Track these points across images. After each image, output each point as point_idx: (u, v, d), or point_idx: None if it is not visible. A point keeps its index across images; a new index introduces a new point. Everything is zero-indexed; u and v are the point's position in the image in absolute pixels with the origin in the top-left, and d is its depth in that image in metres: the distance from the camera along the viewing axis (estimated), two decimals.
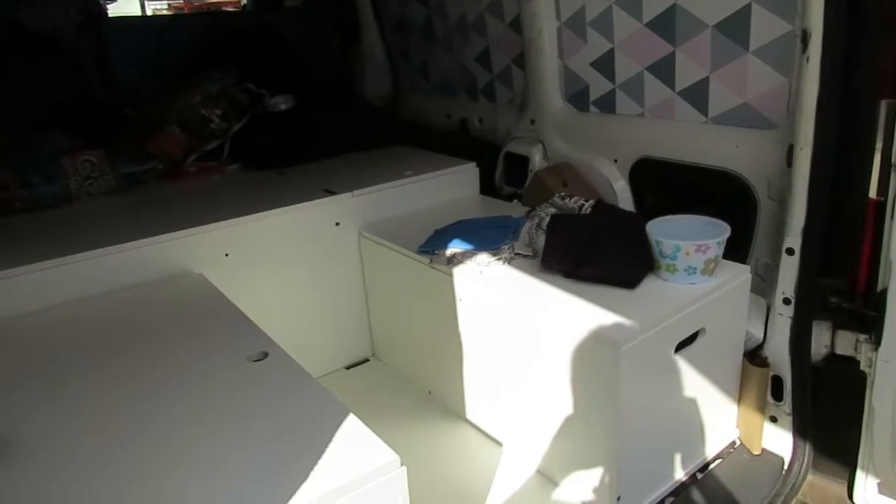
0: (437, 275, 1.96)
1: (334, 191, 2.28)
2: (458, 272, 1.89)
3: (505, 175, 2.70)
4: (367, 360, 2.47)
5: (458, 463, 1.90)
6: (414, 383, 2.29)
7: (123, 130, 2.64)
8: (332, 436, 1.18)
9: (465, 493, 1.77)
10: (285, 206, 2.14)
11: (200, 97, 2.68)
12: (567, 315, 1.59)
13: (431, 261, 1.98)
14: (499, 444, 1.96)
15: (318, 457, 1.13)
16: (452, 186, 2.54)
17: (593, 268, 1.71)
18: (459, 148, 2.78)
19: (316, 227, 2.22)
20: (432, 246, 2.02)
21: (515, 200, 2.49)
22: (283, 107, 2.78)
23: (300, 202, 2.18)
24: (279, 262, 2.16)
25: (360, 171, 2.55)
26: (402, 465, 1.13)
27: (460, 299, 1.91)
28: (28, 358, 1.53)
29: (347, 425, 1.21)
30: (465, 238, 2.02)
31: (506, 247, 1.95)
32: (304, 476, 1.08)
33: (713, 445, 1.88)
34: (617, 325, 1.52)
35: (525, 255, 1.92)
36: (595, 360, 1.52)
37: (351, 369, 2.42)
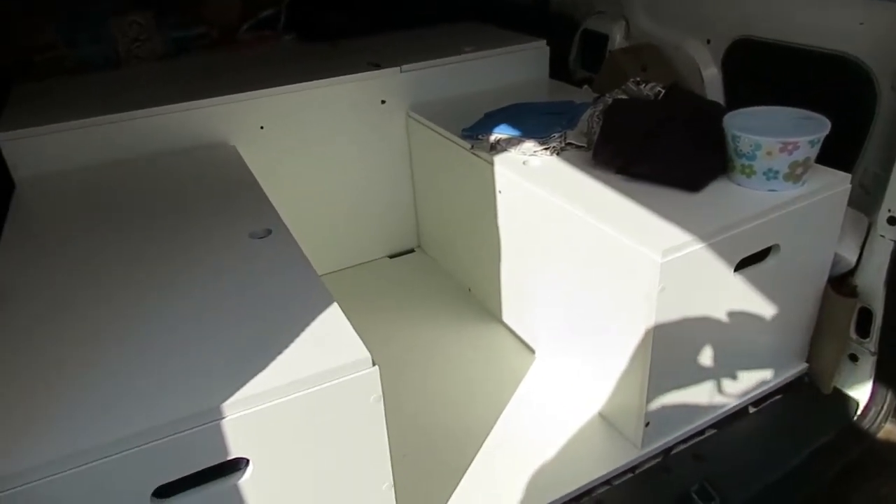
0: (477, 162, 1.76)
1: (381, 65, 2.09)
2: (500, 160, 1.68)
3: (580, 56, 2.38)
4: (411, 251, 2.36)
5: (484, 366, 1.79)
6: (455, 279, 2.16)
7: None
8: (310, 324, 1.08)
9: (490, 397, 1.67)
10: (324, 78, 1.98)
11: None
12: (608, 216, 1.37)
13: (473, 146, 1.78)
14: (531, 350, 1.82)
15: (291, 343, 1.04)
16: (517, 67, 2.27)
17: (648, 164, 1.45)
18: (535, 24, 2.47)
19: (359, 103, 2.05)
20: (477, 130, 1.81)
21: (586, 86, 2.19)
22: None
23: (342, 75, 2.01)
24: (318, 140, 2.04)
25: (415, 46, 2.32)
26: (374, 364, 1.01)
27: (499, 191, 1.72)
28: (48, 213, 1.54)
29: (329, 315, 1.10)
30: (515, 123, 1.79)
31: (557, 135, 1.71)
32: (273, 360, 1.00)
33: (775, 378, 1.65)
34: (663, 232, 1.29)
35: (578, 146, 1.68)
36: (633, 270, 1.31)
37: (394, 258, 2.33)
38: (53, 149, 1.69)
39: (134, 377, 0.98)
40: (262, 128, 1.93)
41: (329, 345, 1.03)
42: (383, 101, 2.08)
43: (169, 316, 1.12)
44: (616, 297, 1.40)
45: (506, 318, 1.92)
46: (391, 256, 2.33)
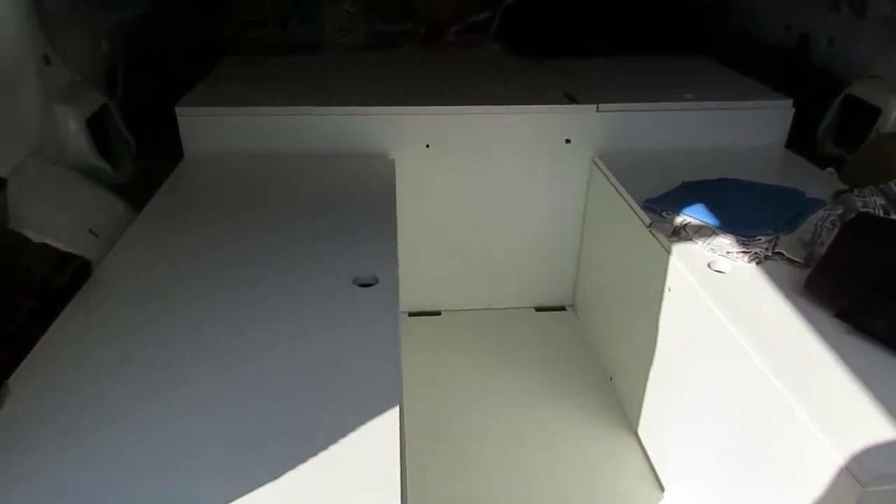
0: (653, 244, 1.43)
1: (577, 99, 1.81)
2: (681, 251, 1.33)
3: (835, 128, 1.86)
4: (562, 309, 2.07)
5: (595, 493, 1.47)
6: (599, 360, 1.84)
7: None
8: (357, 426, 0.88)
9: None
10: (509, 104, 1.76)
11: None
12: (802, 384, 0.98)
13: (652, 223, 1.44)
14: (660, 487, 1.46)
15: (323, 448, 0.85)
16: (746, 126, 1.84)
17: (885, 321, 1.02)
18: (784, 75, 2.00)
19: (541, 137, 1.80)
20: (664, 204, 1.47)
21: (831, 169, 1.70)
22: None
23: (529, 104, 1.77)
24: (486, 168, 1.83)
25: (626, 79, 2.00)
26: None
27: (669, 288, 1.37)
28: (194, 193, 1.55)
29: (383, 426, 0.89)
30: (714, 206, 1.42)
31: (765, 237, 1.31)
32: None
33: None
34: (882, 441, 0.88)
35: (791, 260, 1.27)
36: (817, 477, 0.92)
37: (541, 312, 2.06)
38: (223, 131, 1.70)
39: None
40: (427, 146, 1.77)
41: (358, 476, 0.82)
42: (568, 141, 1.81)
43: (235, 345, 1.02)
44: (782, 490, 1.01)
45: (641, 430, 1.57)
46: (538, 309, 2.07)
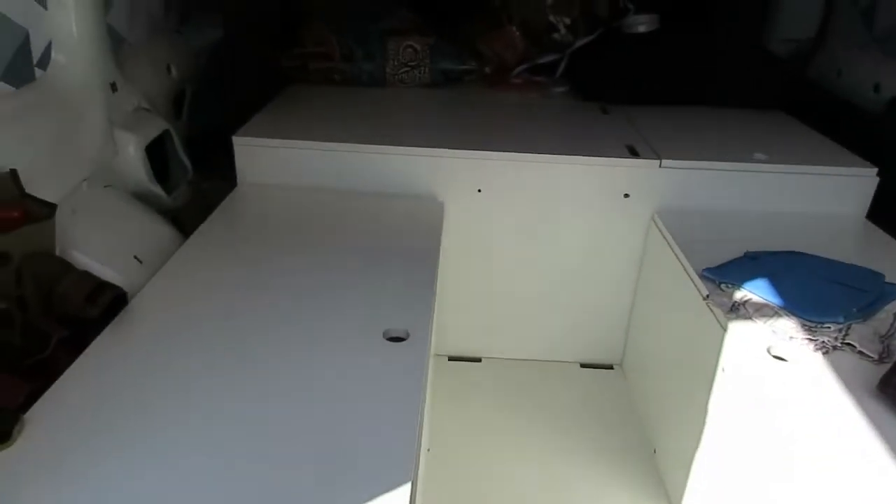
0: (708, 318, 1.33)
1: (638, 152, 1.73)
2: (738, 330, 1.23)
3: None
4: (609, 368, 1.97)
5: None
6: (643, 428, 1.73)
7: (469, 19, 2.45)
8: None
9: None
10: (567, 154, 1.70)
11: (554, 0, 2.29)
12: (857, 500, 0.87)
13: (708, 296, 1.34)
14: None
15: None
16: (824, 195, 1.71)
17: None
18: (870, 139, 1.86)
19: (598, 189, 1.73)
20: (724, 275, 1.37)
21: None
22: (641, 28, 2.21)
23: (588, 155, 1.70)
24: (538, 216, 1.77)
25: (694, 134, 1.91)
26: None
27: (723, 369, 1.27)
28: (240, 224, 1.56)
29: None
30: (779, 283, 1.31)
31: (835, 325, 1.19)
32: None
33: None
34: None
35: (862, 354, 1.15)
36: None
37: (585, 369, 1.97)
38: (275, 162, 1.70)
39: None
40: (479, 191, 1.73)
41: None
42: (626, 195, 1.72)
43: (259, 395, 0.99)
44: None
45: None
46: (584, 365, 1.98)
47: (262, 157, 1.70)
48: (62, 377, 1.00)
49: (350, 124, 1.85)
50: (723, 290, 1.34)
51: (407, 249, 1.47)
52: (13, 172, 1.16)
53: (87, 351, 1.06)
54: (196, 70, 2.03)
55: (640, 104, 2.10)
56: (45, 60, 1.35)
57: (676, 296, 1.52)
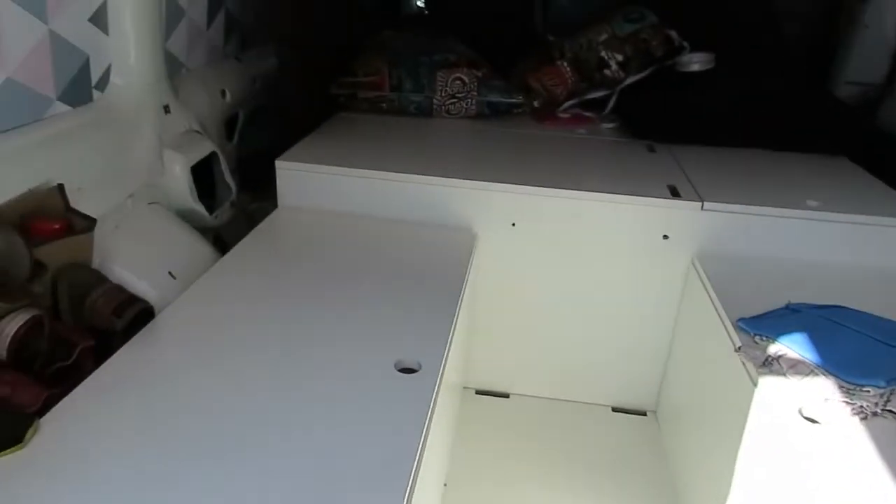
0: (739, 372, 1.26)
1: (681, 193, 1.68)
2: (769, 388, 1.16)
3: None
4: (642, 414, 1.89)
5: None
6: (673, 481, 1.65)
7: (523, 54, 2.46)
8: None
9: None
10: (600, 190, 1.67)
11: (607, 36, 2.28)
12: None
13: (742, 347, 1.27)
14: None
15: None
16: (880, 246, 1.61)
17: None
18: None
19: (636, 229, 1.68)
20: (759, 327, 1.30)
21: None
22: (695, 67, 2.16)
23: (625, 193, 1.67)
24: (573, 253, 1.73)
25: (743, 175, 1.84)
26: None
27: (750, 427, 1.19)
28: (273, 246, 1.60)
29: None
30: (821, 339, 1.23)
31: (877, 389, 1.11)
32: None
33: None
34: None
35: None
36: None
37: (618, 414, 1.89)
38: (313, 187, 1.74)
39: None
40: (513, 224, 1.72)
41: None
42: (665, 237, 1.67)
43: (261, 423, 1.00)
44: None
45: None
46: (616, 409, 1.91)
47: (301, 181, 1.75)
48: (81, 384, 1.04)
49: (390, 153, 1.88)
50: (757, 343, 1.27)
51: (432, 279, 1.46)
52: (60, 187, 1.23)
53: (108, 361, 1.11)
54: (251, 95, 2.12)
55: (690, 144, 2.05)
56: (102, 83, 1.44)
57: (710, 345, 1.45)
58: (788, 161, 1.99)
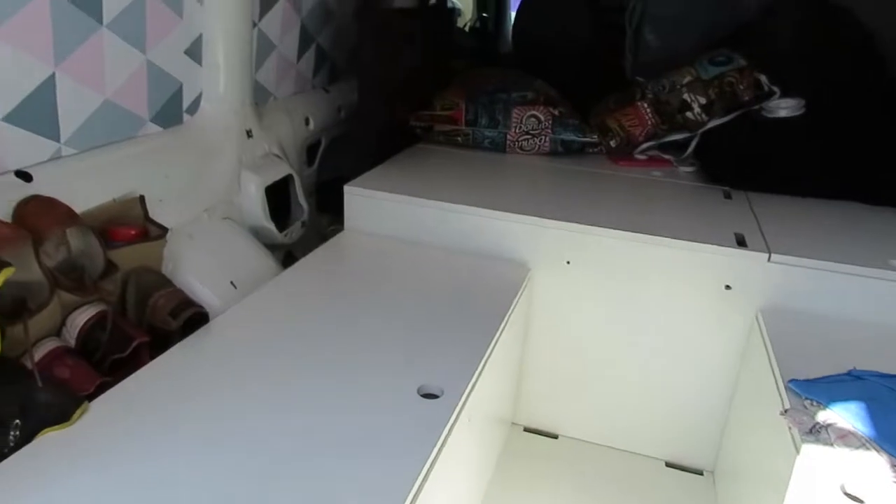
0: (783, 437, 1.17)
1: (747, 243, 1.60)
2: (813, 456, 1.08)
3: None
4: (699, 473, 1.78)
5: None
6: None
7: (603, 93, 2.45)
8: None
9: None
10: (661, 234, 1.62)
11: (690, 79, 2.23)
12: None
13: (787, 410, 1.19)
14: None
15: None
16: None
17: None
18: None
19: (697, 276, 1.62)
20: (811, 391, 1.21)
21: None
22: (783, 113, 2.05)
23: (687, 238, 1.61)
24: (630, 297, 1.69)
25: (820, 229, 1.72)
26: None
27: (790, 501, 1.10)
28: (334, 266, 1.69)
29: None
30: (879, 411, 1.12)
31: None
32: None
33: None
34: None
35: None
36: None
37: (671, 470, 1.80)
38: (376, 212, 1.82)
39: None
40: (567, 262, 1.70)
41: None
42: (728, 287, 1.59)
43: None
44: None
45: None
46: (670, 465, 1.81)
47: (366, 206, 1.83)
48: (132, 375, 1.15)
49: (454, 184, 1.93)
50: (806, 408, 1.18)
51: (475, 309, 1.48)
52: (142, 198, 1.37)
53: (160, 357, 1.21)
54: (334, 123, 2.26)
55: (770, 192, 1.95)
56: (192, 107, 1.60)
57: (764, 405, 1.36)
58: (878, 216, 1.84)
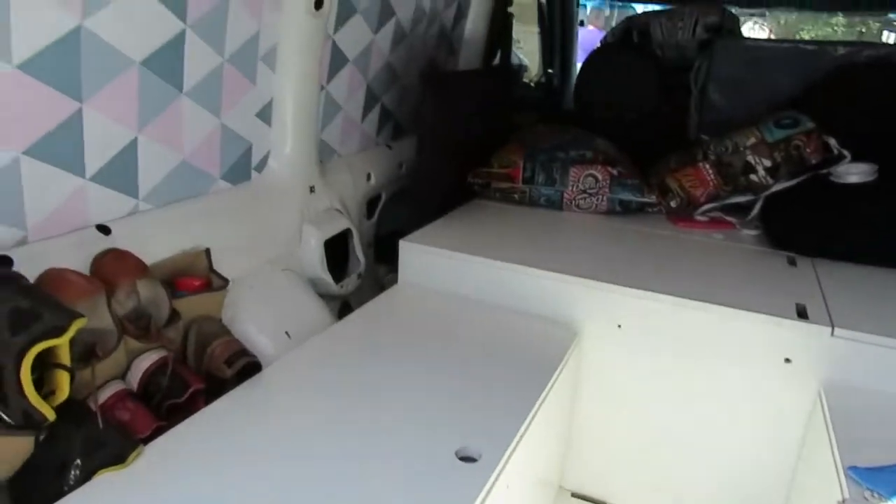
0: None
1: (809, 315, 1.53)
2: None
3: None
4: None
5: None
6: None
7: (665, 153, 2.44)
8: None
9: None
10: (718, 302, 1.58)
11: (755, 140, 2.19)
12: None
13: (844, 501, 1.12)
14: None
15: None
16: None
17: None
18: None
19: (755, 350, 1.56)
20: (874, 480, 1.13)
21: None
22: (853, 179, 1.98)
23: (745, 308, 1.56)
24: (685, 367, 1.64)
25: (893, 303, 1.63)
26: None
27: None
28: (385, 319, 1.72)
29: None
30: None
31: None
32: None
33: None
34: None
35: None
36: None
37: None
38: (429, 267, 1.86)
39: None
40: (619, 326, 1.68)
41: None
42: (788, 360, 1.53)
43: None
44: None
45: None
46: None
47: (420, 260, 1.87)
48: (186, 420, 1.21)
49: (508, 242, 1.95)
50: (867, 499, 1.11)
51: (520, 370, 1.48)
52: (207, 251, 1.47)
53: (214, 403, 1.27)
54: (395, 178, 2.34)
55: (838, 260, 1.86)
56: (260, 165, 1.71)
57: (822, 490, 1.28)
58: None
